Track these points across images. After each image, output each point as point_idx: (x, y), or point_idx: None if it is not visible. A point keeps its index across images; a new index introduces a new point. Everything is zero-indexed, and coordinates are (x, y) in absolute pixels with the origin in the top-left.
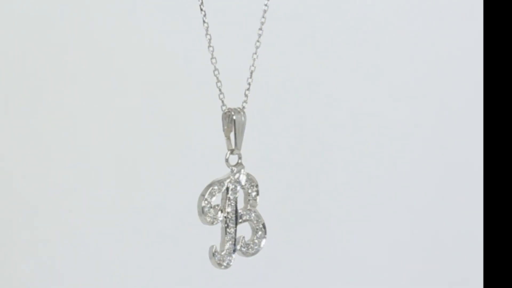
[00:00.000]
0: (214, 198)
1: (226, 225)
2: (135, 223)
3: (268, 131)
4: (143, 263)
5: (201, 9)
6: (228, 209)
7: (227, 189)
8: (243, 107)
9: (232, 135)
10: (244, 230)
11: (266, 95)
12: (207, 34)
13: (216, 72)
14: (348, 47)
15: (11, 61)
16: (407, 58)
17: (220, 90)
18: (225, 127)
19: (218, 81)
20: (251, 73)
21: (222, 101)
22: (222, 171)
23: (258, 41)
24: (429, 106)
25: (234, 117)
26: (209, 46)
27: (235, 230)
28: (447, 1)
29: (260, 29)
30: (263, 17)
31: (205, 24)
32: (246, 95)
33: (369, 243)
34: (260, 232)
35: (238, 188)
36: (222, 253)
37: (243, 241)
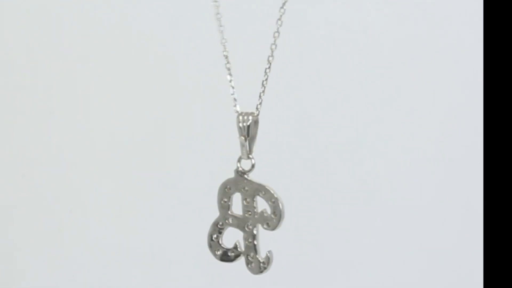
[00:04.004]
0: None
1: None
2: (136, 224)
3: (272, 133)
4: (144, 264)
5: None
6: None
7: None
8: (258, 110)
9: (243, 139)
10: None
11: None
12: (222, 38)
13: (229, 77)
14: (351, 51)
15: (11, 61)
16: (408, 63)
17: (233, 97)
18: (245, 131)
19: (232, 87)
20: (267, 75)
21: (236, 106)
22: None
23: (274, 44)
24: (431, 110)
25: (257, 120)
26: (224, 50)
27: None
28: (446, 3)
29: (277, 31)
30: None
31: (221, 28)
32: (260, 97)
33: (369, 243)
34: None
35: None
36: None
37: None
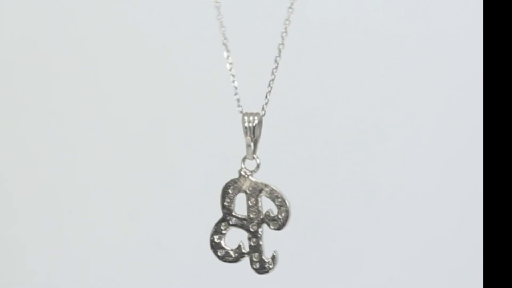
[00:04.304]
0: None
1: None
2: (136, 224)
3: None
4: (144, 264)
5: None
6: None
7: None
8: (263, 110)
9: (249, 139)
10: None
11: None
12: (224, 38)
13: (233, 78)
14: (351, 51)
15: (11, 61)
16: (409, 62)
17: (236, 93)
18: (251, 132)
19: (235, 87)
20: (274, 76)
21: (240, 105)
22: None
23: (281, 44)
24: (431, 110)
25: (261, 120)
26: (227, 51)
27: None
28: (446, 3)
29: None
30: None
31: (222, 29)
32: (267, 97)
33: (369, 243)
34: None
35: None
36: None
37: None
